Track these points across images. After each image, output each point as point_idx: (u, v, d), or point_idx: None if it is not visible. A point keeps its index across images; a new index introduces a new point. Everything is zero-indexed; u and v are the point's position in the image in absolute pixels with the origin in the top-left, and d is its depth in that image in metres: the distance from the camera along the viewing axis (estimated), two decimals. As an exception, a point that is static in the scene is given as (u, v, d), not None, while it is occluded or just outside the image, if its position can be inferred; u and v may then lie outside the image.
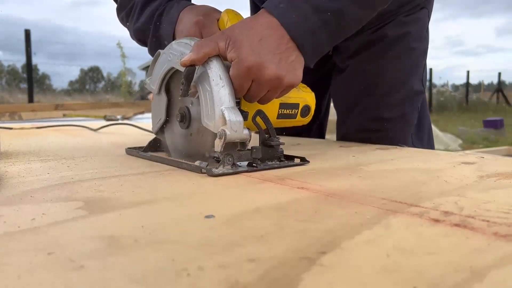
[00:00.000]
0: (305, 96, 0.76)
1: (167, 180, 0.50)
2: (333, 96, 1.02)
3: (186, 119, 0.61)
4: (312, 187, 0.45)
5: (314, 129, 1.10)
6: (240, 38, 0.56)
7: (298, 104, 0.74)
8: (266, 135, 0.58)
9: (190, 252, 0.27)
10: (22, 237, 0.29)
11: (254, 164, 0.55)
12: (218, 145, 0.53)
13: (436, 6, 0.97)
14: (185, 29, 0.72)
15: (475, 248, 0.27)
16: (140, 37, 0.81)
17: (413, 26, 0.89)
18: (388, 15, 0.87)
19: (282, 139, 0.59)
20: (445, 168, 0.56)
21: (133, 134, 1.13)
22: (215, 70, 0.56)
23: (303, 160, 0.60)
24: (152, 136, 0.73)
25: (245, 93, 0.58)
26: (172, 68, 0.62)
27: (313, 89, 0.78)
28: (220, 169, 0.52)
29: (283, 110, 0.71)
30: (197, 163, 0.55)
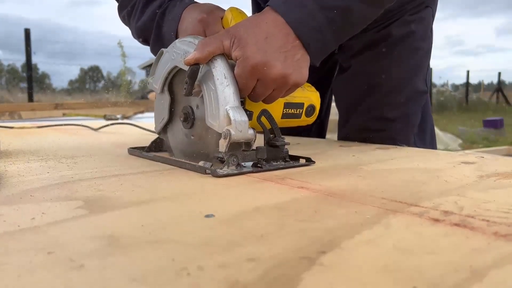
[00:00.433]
0: (310, 96, 0.75)
1: (167, 180, 0.50)
2: (335, 96, 1.02)
3: (190, 118, 0.61)
4: (312, 187, 0.45)
5: (314, 128, 1.10)
6: (245, 36, 0.55)
7: (303, 103, 0.73)
8: (271, 135, 0.57)
9: (190, 251, 0.27)
10: (22, 236, 0.29)
11: (259, 165, 0.55)
12: (223, 145, 0.53)
13: (436, 6, 0.97)
14: (188, 27, 0.71)
15: (475, 247, 0.27)
16: (142, 35, 0.80)
17: (418, 26, 0.88)
18: (392, 13, 0.86)
19: None
20: (445, 168, 0.56)
21: (133, 134, 1.13)
22: (219, 69, 0.55)
23: (309, 161, 0.59)
24: (154, 135, 0.72)
25: (250, 92, 0.57)
26: (176, 67, 0.61)
27: None
28: (225, 170, 0.52)
29: (287, 109, 0.70)
30: (201, 163, 0.54)
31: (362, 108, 0.92)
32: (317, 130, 1.11)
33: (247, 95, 0.58)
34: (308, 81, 0.77)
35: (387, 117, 0.89)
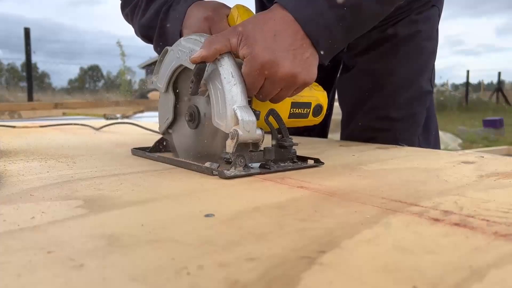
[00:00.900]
0: (317, 95, 0.73)
1: (167, 179, 0.50)
2: (339, 95, 1.00)
3: (195, 118, 0.59)
4: (312, 186, 0.45)
5: (317, 128, 1.09)
6: (253, 34, 0.53)
7: (310, 103, 0.71)
8: (279, 135, 0.56)
9: (190, 251, 0.27)
10: (22, 235, 0.29)
11: (267, 166, 0.54)
12: (230, 145, 0.51)
13: (436, 6, 0.97)
14: (193, 25, 0.69)
15: (475, 247, 0.27)
16: (145, 33, 0.79)
17: (424, 25, 0.88)
18: (399, 12, 0.85)
19: None
20: (445, 168, 0.56)
21: (133, 133, 1.13)
22: (226, 67, 0.53)
23: (317, 162, 0.58)
24: (155, 135, 0.71)
25: (257, 91, 0.56)
26: (181, 65, 0.60)
27: None
28: (232, 171, 0.51)
29: (295, 109, 0.69)
30: (207, 164, 0.53)
31: (366, 107, 0.91)
32: (319, 129, 1.10)
33: (255, 94, 0.57)
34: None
35: (391, 117, 0.89)
